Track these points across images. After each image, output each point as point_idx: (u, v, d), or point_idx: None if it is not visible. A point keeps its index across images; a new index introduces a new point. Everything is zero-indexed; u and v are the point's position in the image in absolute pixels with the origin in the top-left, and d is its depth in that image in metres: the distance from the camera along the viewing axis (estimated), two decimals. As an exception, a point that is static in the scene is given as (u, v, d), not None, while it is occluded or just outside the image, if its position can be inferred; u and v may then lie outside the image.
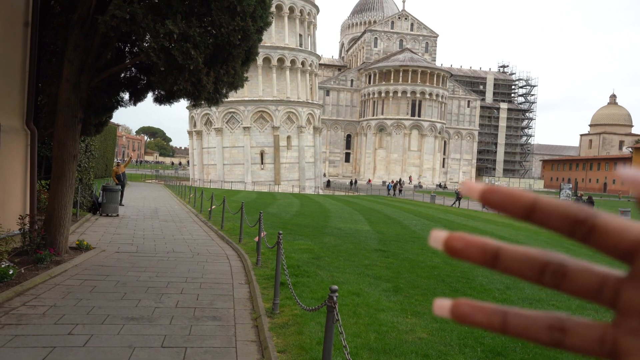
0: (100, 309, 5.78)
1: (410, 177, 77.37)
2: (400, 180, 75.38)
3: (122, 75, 9.76)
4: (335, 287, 3.17)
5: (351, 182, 66.23)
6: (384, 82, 79.36)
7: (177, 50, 7.12)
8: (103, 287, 6.76)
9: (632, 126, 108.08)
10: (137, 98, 9.96)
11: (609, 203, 51.03)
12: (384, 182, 62.14)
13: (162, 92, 9.23)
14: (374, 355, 4.66)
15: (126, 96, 9.98)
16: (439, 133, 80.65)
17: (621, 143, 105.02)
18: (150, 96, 9.87)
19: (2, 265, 6.59)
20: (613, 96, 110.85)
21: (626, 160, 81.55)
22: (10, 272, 6.52)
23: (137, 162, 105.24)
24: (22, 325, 5.11)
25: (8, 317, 5.32)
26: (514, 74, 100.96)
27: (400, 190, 52.17)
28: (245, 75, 8.96)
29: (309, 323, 5.43)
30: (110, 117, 10.95)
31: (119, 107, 10.08)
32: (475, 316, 0.32)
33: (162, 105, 9.62)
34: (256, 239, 9.11)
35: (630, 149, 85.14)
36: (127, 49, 9.91)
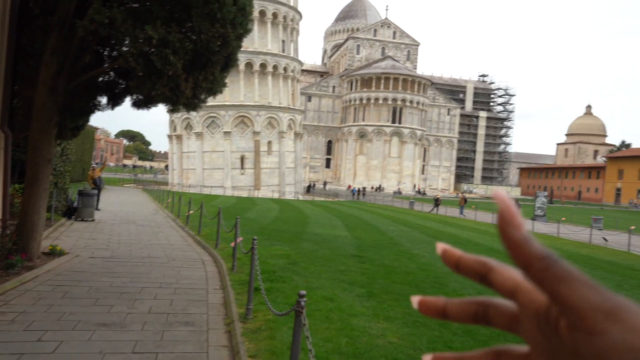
0: (71, 315, 5.75)
1: (417, 186, 78.62)
2: (380, 186, 76.00)
3: (100, 79, 9.73)
4: (303, 292, 3.25)
5: (309, 187, 64.85)
6: (365, 89, 79.92)
7: (156, 56, 7.15)
8: (75, 293, 6.72)
9: (606, 136, 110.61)
10: (115, 102, 9.93)
11: (584, 211, 52.08)
12: (364, 188, 62.65)
13: (140, 97, 9.23)
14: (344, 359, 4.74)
15: (104, 100, 9.95)
16: (419, 140, 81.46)
17: (596, 152, 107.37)
18: (128, 100, 9.85)
19: (-28, 270, 6.51)
20: (589, 107, 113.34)
21: (600, 169, 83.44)
22: (-19, 277, 6.44)
23: (116, 166, 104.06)
24: (-9, 331, 5.06)
25: (-23, 323, 5.27)
26: (493, 83, 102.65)
27: (364, 194, 58.23)
28: (224, 81, 9.01)
29: (282, 328, 5.49)
30: (87, 121, 10.87)
31: (96, 110, 10.04)
32: (428, 311, 0.41)
33: (140, 110, 9.59)
34: (232, 244, 9.14)
35: (604, 159, 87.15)
36: (105, 52, 9.88)
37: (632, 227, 22.46)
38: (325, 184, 75.76)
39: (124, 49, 7.71)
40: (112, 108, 9.89)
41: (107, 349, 4.79)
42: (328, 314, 6.24)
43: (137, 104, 9.35)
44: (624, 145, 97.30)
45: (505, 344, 0.40)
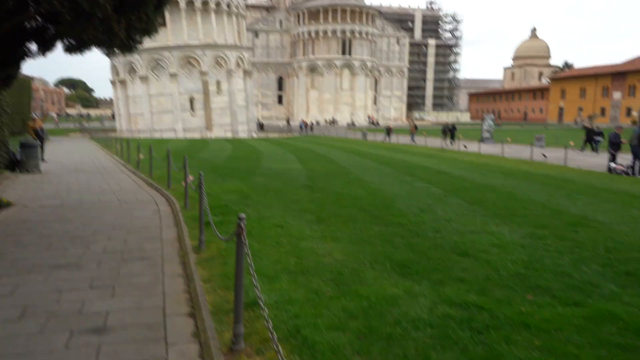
0: (25, 260, 5.87)
1: (372, 117, 79.27)
2: (333, 119, 76.20)
3: (28, 25, 9.26)
4: (242, 215, 3.51)
5: (261, 125, 64.77)
6: (313, 22, 78.10)
7: (82, -3, 6.88)
8: (27, 240, 6.80)
9: (550, 57, 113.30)
10: (46, 48, 9.49)
11: (528, 131, 54.22)
12: (317, 122, 62.82)
13: (73, 42, 8.89)
14: (292, 277, 5.13)
15: (33, 47, 9.51)
16: (370, 71, 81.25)
17: (540, 74, 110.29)
18: (60, 46, 9.46)
19: None
20: (534, 29, 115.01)
21: (544, 90, 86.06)
22: None
23: (61, 115, 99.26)
24: (-54, 281, 5.15)
25: None
26: (441, 9, 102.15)
27: (312, 129, 59.23)
28: (159, 20, 8.78)
29: (233, 255, 5.80)
30: (18, 69, 10.42)
31: (26, 58, 9.61)
32: None
33: (74, 55, 9.25)
34: (183, 182, 9.29)
35: (547, 80, 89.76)
36: (28, -6, 9.35)
37: (572, 143, 23.78)
38: (288, 121, 74.63)
39: (48, -11, 7.36)
40: (44, 54, 9.47)
41: (64, 286, 5.00)
42: (278, 239, 6.61)
43: (69, 49, 8.99)
44: (567, 66, 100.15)
45: None
